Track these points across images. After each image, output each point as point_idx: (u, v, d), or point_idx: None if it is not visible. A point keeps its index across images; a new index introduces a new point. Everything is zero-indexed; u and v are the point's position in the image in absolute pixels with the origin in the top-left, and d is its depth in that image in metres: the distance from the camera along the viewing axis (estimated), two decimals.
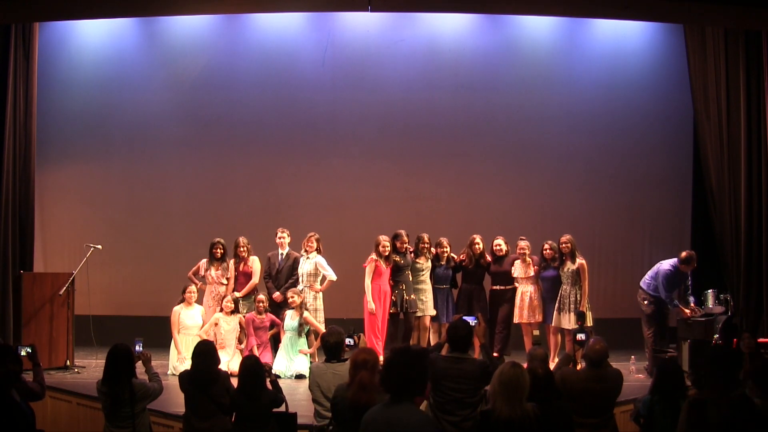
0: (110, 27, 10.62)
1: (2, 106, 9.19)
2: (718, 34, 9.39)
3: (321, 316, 8.91)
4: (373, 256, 8.71)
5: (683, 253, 8.65)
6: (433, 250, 8.96)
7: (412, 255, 8.90)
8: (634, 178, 10.77)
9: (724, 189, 9.41)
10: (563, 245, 8.67)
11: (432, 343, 8.82)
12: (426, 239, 8.91)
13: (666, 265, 8.67)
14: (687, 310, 8.58)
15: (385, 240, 8.73)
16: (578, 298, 8.57)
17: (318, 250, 8.95)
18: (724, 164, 9.42)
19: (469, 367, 5.12)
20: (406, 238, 8.81)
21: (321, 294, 8.96)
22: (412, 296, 8.75)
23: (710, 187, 9.58)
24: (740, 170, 9.29)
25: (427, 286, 8.87)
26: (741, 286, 9.20)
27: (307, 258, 8.94)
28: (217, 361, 5.64)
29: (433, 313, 8.84)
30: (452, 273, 9.02)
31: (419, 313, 8.79)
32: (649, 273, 8.87)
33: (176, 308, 8.75)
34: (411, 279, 8.82)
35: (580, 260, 8.63)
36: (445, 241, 8.99)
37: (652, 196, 10.77)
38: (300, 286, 8.89)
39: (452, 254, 9.02)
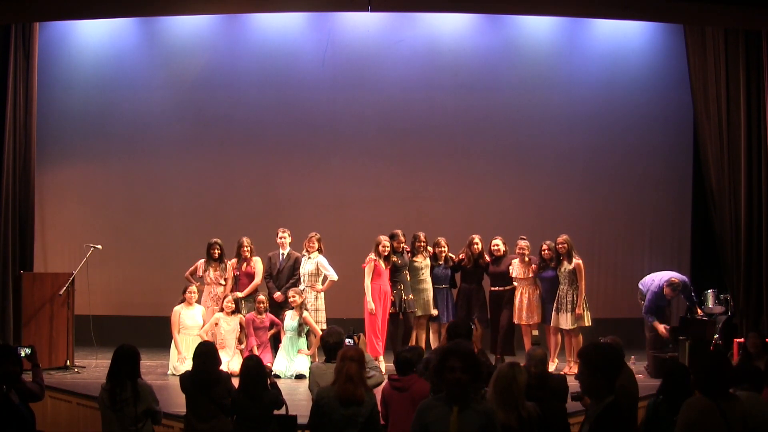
0: (110, 27, 10.62)
1: (2, 106, 9.19)
2: (718, 34, 9.40)
3: (322, 315, 8.90)
4: (372, 256, 8.69)
5: (674, 278, 8.68)
6: (430, 249, 8.95)
7: (409, 254, 8.89)
8: (634, 178, 10.77)
9: (724, 189, 9.41)
10: (559, 245, 8.65)
11: (431, 343, 8.84)
12: (422, 237, 8.90)
13: (656, 284, 8.69)
14: (661, 327, 8.58)
15: (385, 240, 8.71)
16: (575, 299, 8.56)
17: (319, 250, 8.95)
18: (724, 164, 9.42)
19: None
20: (402, 238, 8.81)
21: (322, 294, 8.96)
22: (411, 296, 8.74)
23: (710, 188, 9.58)
24: (740, 170, 9.29)
25: (428, 285, 8.85)
26: (741, 286, 9.20)
27: (309, 258, 8.95)
28: (219, 362, 5.63)
29: (435, 312, 8.84)
30: (451, 273, 9.01)
31: (419, 312, 8.79)
32: (648, 277, 8.88)
33: (177, 308, 8.75)
34: (410, 278, 8.81)
35: (576, 260, 8.61)
36: (442, 240, 8.98)
37: (652, 196, 10.78)
38: (302, 286, 8.89)
39: (450, 254, 9.02)
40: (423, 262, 8.87)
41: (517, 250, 8.83)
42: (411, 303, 8.73)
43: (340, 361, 4.81)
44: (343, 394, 4.68)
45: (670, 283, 8.60)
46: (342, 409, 4.68)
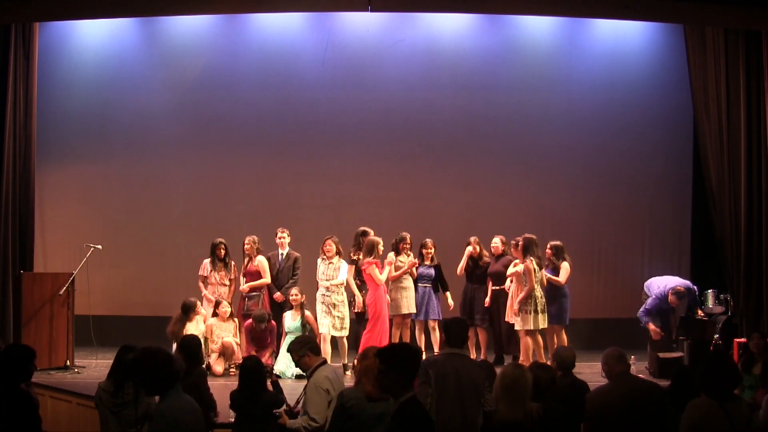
0: (110, 27, 10.61)
1: (2, 106, 9.20)
2: (718, 34, 9.40)
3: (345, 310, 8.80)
4: (371, 257, 8.62)
5: (679, 286, 8.64)
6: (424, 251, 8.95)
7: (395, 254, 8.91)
8: (634, 178, 10.76)
9: (724, 189, 9.41)
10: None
11: (433, 342, 8.83)
12: (408, 239, 8.90)
13: (660, 290, 8.65)
14: (655, 329, 8.54)
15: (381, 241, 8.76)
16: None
17: (338, 253, 8.77)
18: (724, 164, 9.42)
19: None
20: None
21: (344, 292, 8.86)
22: None
23: (710, 188, 9.59)
24: (740, 170, 9.29)
25: (410, 284, 8.83)
26: (741, 286, 9.20)
27: (330, 263, 8.73)
28: (200, 359, 5.64)
29: (413, 311, 8.78)
30: (435, 272, 8.93)
31: (404, 310, 8.77)
32: (654, 282, 8.84)
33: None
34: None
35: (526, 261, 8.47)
36: (429, 242, 8.98)
37: (651, 196, 10.77)
38: (321, 290, 8.71)
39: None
40: (407, 262, 8.87)
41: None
42: None
43: (365, 360, 4.73)
44: (373, 390, 4.58)
45: (675, 292, 8.56)
46: (370, 408, 4.58)
